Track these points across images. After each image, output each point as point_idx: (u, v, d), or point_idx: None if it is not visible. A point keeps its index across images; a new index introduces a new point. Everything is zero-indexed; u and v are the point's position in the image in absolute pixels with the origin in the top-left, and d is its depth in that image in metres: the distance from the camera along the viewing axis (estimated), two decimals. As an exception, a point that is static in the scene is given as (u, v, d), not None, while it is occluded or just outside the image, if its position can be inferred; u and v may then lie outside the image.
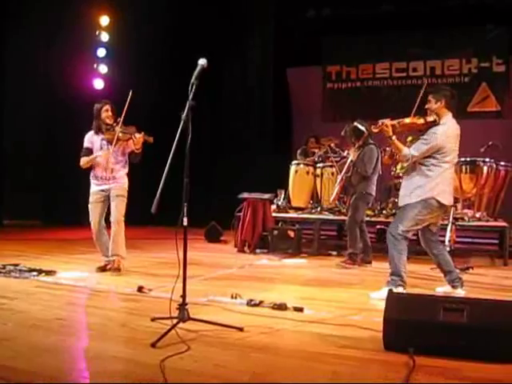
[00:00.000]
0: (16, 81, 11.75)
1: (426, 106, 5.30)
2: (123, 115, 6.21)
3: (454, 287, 5.30)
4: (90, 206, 6.38)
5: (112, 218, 6.29)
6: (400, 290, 5.01)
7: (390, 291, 3.78)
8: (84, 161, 6.34)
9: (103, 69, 12.31)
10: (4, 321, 4.03)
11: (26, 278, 5.74)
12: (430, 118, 5.23)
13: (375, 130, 5.42)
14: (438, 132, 5.11)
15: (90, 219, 6.37)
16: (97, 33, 12.14)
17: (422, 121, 5.24)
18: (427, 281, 6.24)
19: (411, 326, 3.48)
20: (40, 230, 11.24)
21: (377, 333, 3.71)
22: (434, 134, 5.11)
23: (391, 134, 5.22)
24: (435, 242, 5.38)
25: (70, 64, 11.44)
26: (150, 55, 12.17)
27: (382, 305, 3.70)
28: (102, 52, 12.25)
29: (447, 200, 5.21)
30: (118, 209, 6.28)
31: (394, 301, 3.65)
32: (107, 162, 6.25)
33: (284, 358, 3.43)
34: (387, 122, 5.26)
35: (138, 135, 6.13)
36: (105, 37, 12.20)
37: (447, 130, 5.15)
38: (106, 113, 6.30)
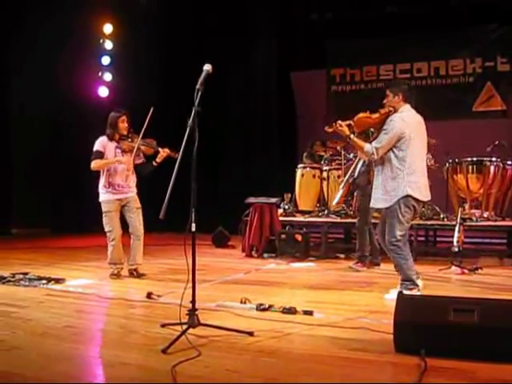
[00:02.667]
0: (22, 89, 11.80)
1: (384, 101, 5.29)
2: (143, 130, 6.25)
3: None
4: (109, 214, 6.34)
5: (137, 232, 6.38)
6: (414, 292, 4.99)
7: (400, 293, 3.77)
8: (99, 163, 6.28)
9: (108, 76, 12.39)
10: (14, 329, 4.04)
11: (35, 286, 5.76)
12: (385, 110, 5.22)
13: (329, 130, 5.36)
14: (394, 119, 5.11)
15: (110, 228, 6.35)
16: (101, 41, 12.21)
17: (376, 114, 5.23)
18: (436, 282, 6.22)
19: (422, 328, 3.46)
20: (48, 238, 11.27)
21: (387, 335, 3.70)
22: (391, 122, 5.11)
23: (348, 133, 5.20)
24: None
25: (75, 72, 11.53)
26: (154, 62, 12.21)
27: (392, 307, 3.69)
28: (106, 60, 12.34)
29: (423, 195, 5.18)
30: (141, 222, 6.43)
31: (404, 303, 3.63)
32: (129, 166, 6.30)
33: (295, 361, 3.42)
34: (341, 122, 5.22)
35: (162, 150, 6.23)
36: (109, 45, 12.28)
37: (404, 117, 5.13)
38: (123, 124, 6.34)
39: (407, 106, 5.23)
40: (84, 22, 11.49)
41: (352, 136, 5.20)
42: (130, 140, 6.32)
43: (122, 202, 6.37)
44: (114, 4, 11.88)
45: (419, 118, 5.28)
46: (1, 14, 11.25)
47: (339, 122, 5.22)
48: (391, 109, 5.21)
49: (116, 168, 6.34)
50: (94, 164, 6.30)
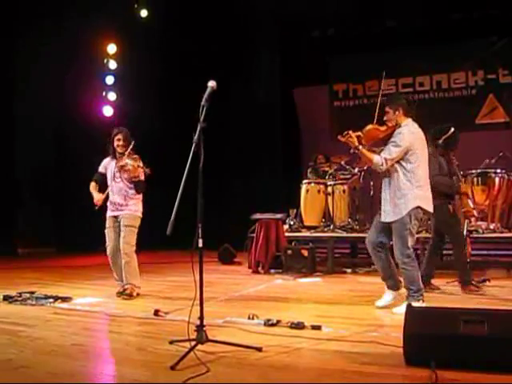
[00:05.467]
0: (27, 109, 11.88)
1: (385, 118, 5.31)
2: (129, 150, 6.26)
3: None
4: (106, 231, 6.41)
5: (122, 250, 6.26)
6: (421, 302, 5.03)
7: (409, 306, 3.75)
8: (91, 188, 6.47)
9: (112, 96, 12.48)
10: (22, 348, 4.03)
11: (42, 305, 5.75)
12: (391, 123, 5.25)
13: (342, 139, 5.27)
14: (403, 131, 5.13)
15: (107, 244, 6.40)
16: (105, 61, 12.32)
17: (384, 127, 5.26)
18: (444, 295, 6.20)
19: (432, 340, 3.44)
20: (54, 257, 11.28)
21: (397, 348, 3.68)
22: (399, 134, 5.13)
23: (357, 144, 5.17)
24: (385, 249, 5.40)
25: (80, 92, 11.61)
26: (157, 81, 12.30)
27: (400, 320, 3.67)
28: (110, 79, 12.44)
29: (429, 206, 5.23)
30: (126, 240, 6.25)
31: (413, 315, 3.61)
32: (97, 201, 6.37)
33: (305, 376, 3.40)
34: (352, 133, 5.20)
35: (130, 163, 6.15)
36: (113, 64, 12.39)
37: (411, 129, 5.18)
38: (118, 142, 6.35)
39: (410, 120, 5.27)
40: (88, 42, 11.60)
41: (360, 147, 5.19)
42: (121, 158, 6.30)
43: (118, 219, 6.37)
44: (118, 25, 12.00)
45: (422, 132, 5.31)
46: (9, 32, 11.42)
47: (351, 132, 5.20)
48: (397, 123, 5.23)
49: (112, 188, 6.38)
50: (90, 186, 6.51)
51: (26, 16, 11.56)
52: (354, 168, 9.17)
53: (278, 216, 8.83)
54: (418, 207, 5.10)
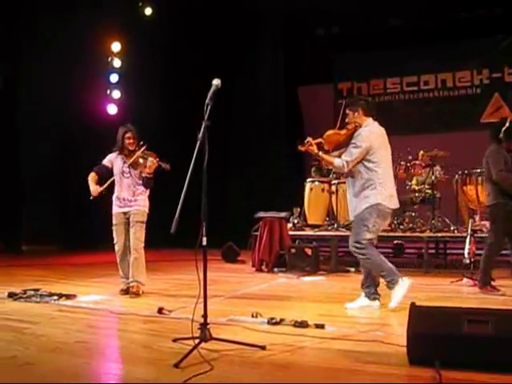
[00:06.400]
0: (32, 108, 11.92)
1: (346, 120, 5.46)
2: (142, 149, 6.29)
3: (372, 300, 5.40)
4: (113, 227, 6.40)
5: (131, 245, 6.29)
6: (401, 283, 5.14)
7: (413, 305, 3.74)
8: (90, 178, 6.41)
9: (116, 94, 12.50)
10: (27, 345, 4.04)
11: (46, 302, 5.76)
12: (352, 125, 5.39)
13: (302, 149, 5.44)
14: (362, 132, 5.28)
15: (115, 241, 6.39)
16: (109, 59, 12.33)
17: (344, 131, 5.40)
18: (448, 294, 6.20)
19: (436, 340, 3.43)
20: (58, 254, 11.31)
21: (400, 347, 3.67)
22: (359, 136, 5.28)
23: (317, 151, 5.34)
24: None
25: (84, 90, 11.63)
26: (162, 79, 12.31)
27: (404, 319, 3.67)
28: (114, 78, 12.46)
29: (392, 203, 5.32)
30: (137, 236, 6.29)
31: (417, 314, 3.61)
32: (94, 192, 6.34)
33: (309, 375, 3.40)
34: (312, 141, 5.33)
35: (151, 159, 6.18)
36: (117, 63, 12.40)
37: (371, 129, 5.32)
38: (128, 140, 6.37)
39: (370, 120, 5.42)
40: (93, 41, 11.62)
41: (320, 153, 5.37)
42: (133, 154, 6.34)
43: (126, 215, 6.37)
44: (122, 23, 12.02)
45: (383, 130, 5.45)
46: (14, 28, 11.51)
47: (310, 140, 5.34)
48: (357, 125, 5.37)
49: (122, 183, 6.38)
50: (89, 176, 6.44)
51: (30, 14, 11.60)
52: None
53: (282, 215, 8.84)
54: (379, 204, 5.19)
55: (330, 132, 5.42)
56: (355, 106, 5.42)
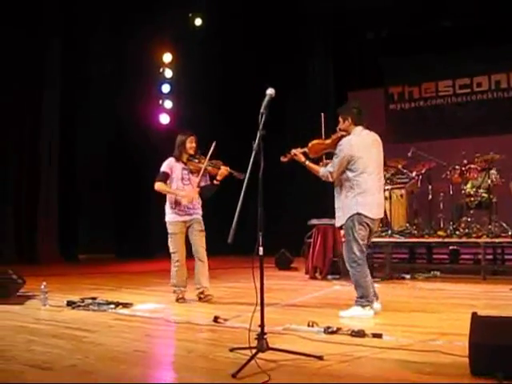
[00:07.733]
0: (86, 117, 12.20)
1: (337, 127, 5.50)
2: (210, 153, 6.36)
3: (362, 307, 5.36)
4: (173, 236, 6.41)
5: (198, 255, 6.39)
6: (367, 310, 5.23)
7: (475, 314, 3.65)
8: (162, 187, 6.36)
9: (168, 104, 12.71)
10: (86, 354, 4.10)
11: (104, 310, 5.86)
12: (336, 135, 5.45)
13: (284, 160, 5.55)
14: (342, 143, 5.33)
15: (174, 250, 6.41)
16: (161, 70, 12.55)
17: (329, 140, 5.49)
18: (507, 302, 6.02)
19: (499, 350, 3.32)
20: (113, 263, 11.53)
21: (461, 358, 3.58)
22: (339, 147, 5.34)
23: (303, 159, 5.45)
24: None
25: (137, 101, 11.85)
26: (213, 88, 12.43)
27: (463, 328, 3.57)
28: (166, 88, 12.68)
29: (372, 213, 5.33)
30: (203, 245, 6.43)
31: (479, 324, 3.51)
32: (192, 199, 6.36)
33: (367, 386, 3.35)
34: (296, 151, 5.46)
35: (223, 167, 6.28)
36: (168, 73, 12.62)
37: (351, 140, 5.32)
38: (191, 144, 6.46)
39: (358, 129, 5.43)
40: (144, 52, 11.85)
41: (307, 162, 5.47)
42: (197, 161, 6.42)
43: (187, 223, 6.43)
44: (173, 34, 12.21)
45: (372, 138, 5.47)
46: (72, 42, 11.77)
47: (293, 150, 5.46)
48: (343, 133, 5.43)
49: (183, 189, 6.41)
50: (158, 186, 6.38)
51: (85, 25, 11.86)
52: (411, 172, 9.02)
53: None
54: (359, 213, 5.24)
55: (314, 141, 5.54)
56: (346, 113, 5.46)
